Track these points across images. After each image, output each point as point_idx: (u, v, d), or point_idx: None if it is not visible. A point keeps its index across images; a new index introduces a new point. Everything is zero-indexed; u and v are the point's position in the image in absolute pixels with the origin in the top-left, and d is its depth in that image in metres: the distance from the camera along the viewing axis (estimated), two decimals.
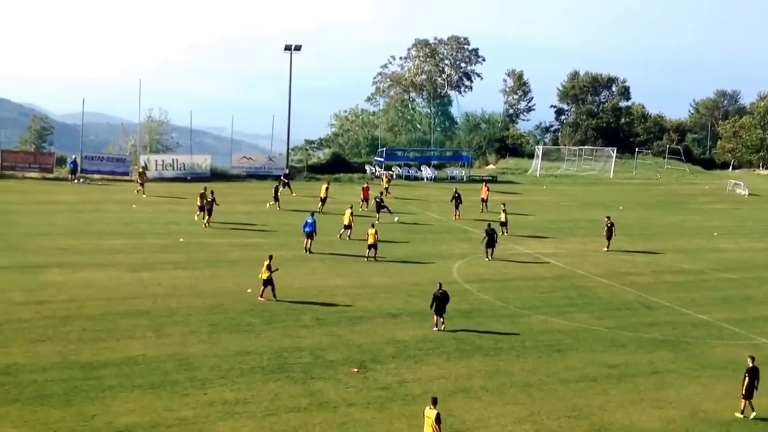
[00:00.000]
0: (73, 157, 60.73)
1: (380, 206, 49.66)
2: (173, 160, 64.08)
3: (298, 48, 67.46)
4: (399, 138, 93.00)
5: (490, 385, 24.61)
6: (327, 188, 53.10)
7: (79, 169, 59.12)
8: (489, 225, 41.98)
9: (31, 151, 65.86)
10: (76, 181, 58.02)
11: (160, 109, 74.00)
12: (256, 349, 26.33)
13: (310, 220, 40.13)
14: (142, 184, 53.14)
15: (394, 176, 57.43)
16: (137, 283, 32.66)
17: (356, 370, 25.11)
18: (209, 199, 44.69)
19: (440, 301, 29.11)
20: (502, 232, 46.30)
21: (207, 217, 44.22)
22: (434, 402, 19.96)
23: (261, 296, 31.21)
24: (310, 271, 36.41)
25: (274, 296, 31.13)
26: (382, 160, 73.76)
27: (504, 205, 49.44)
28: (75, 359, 24.20)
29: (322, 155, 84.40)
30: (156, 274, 34.13)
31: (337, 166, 72.46)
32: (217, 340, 26.90)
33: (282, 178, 59.56)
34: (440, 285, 29.74)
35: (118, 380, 22.96)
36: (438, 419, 19.64)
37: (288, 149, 71.15)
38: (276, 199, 52.13)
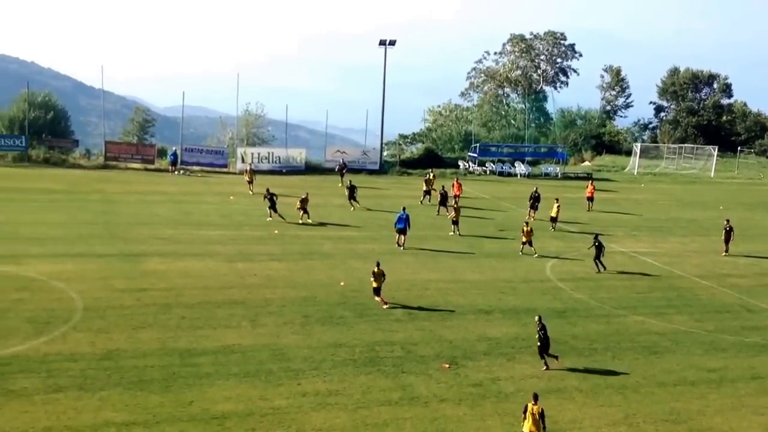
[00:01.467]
0: (174, 149, 62.47)
1: (444, 200, 49.39)
2: (269, 153, 65.17)
3: (392, 43, 67.59)
4: (493, 133, 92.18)
5: (584, 385, 24.08)
6: (429, 180, 53.37)
7: (179, 160, 60.76)
8: (596, 236, 38.47)
9: (134, 142, 68.05)
10: (176, 172, 59.64)
11: (257, 102, 75.41)
12: (348, 341, 26.49)
13: (403, 216, 39.82)
14: (250, 181, 52.96)
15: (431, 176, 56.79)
16: (233, 274, 33.31)
17: (448, 365, 24.96)
18: (302, 198, 44.21)
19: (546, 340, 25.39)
20: (552, 228, 45.45)
21: (304, 215, 43.91)
22: (535, 398, 19.91)
23: (384, 304, 30.18)
24: (402, 265, 36.40)
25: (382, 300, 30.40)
26: (475, 155, 73.27)
27: (557, 200, 47.90)
28: (174, 346, 24.84)
29: (414, 150, 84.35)
30: (251, 265, 34.74)
31: (430, 160, 72.22)
32: (311, 331, 27.18)
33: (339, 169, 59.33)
34: (540, 318, 25.82)
35: (214, 368, 23.45)
36: (542, 415, 19.59)
37: (381, 143, 71.39)
38: (352, 198, 50.22)
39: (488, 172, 71.65)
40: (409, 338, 27.20)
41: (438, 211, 48.41)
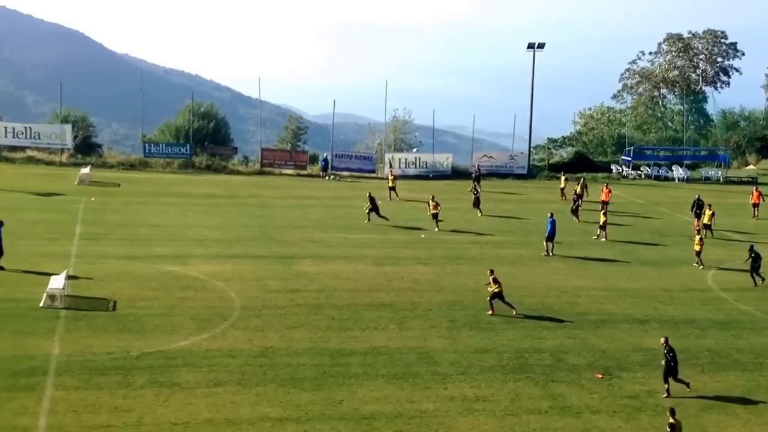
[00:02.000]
0: (325, 155, 64.10)
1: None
2: (416, 158, 65.69)
3: (541, 46, 66.62)
4: (648, 136, 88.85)
5: (749, 402, 22.83)
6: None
7: (329, 166, 62.31)
8: (752, 247, 35.74)
9: (287, 149, 70.30)
10: (326, 177, 61.21)
11: (404, 108, 76.18)
12: (495, 347, 26.31)
13: (550, 221, 38.93)
14: (393, 188, 52.81)
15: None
16: (381, 277, 33.82)
17: (600, 375, 24.32)
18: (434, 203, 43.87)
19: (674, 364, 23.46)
20: (705, 235, 41.93)
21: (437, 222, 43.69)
22: (672, 412, 19.44)
23: (491, 311, 29.60)
24: (551, 271, 35.79)
25: (512, 307, 29.57)
26: (629, 159, 70.97)
27: (710, 206, 45.03)
28: (324, 346, 25.50)
29: (565, 153, 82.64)
30: (399, 269, 35.15)
31: (581, 164, 70.45)
32: (457, 336, 27.19)
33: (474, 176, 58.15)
34: (666, 340, 23.80)
35: (363, 369, 23.89)
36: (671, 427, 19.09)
37: (529, 147, 70.46)
38: (476, 202, 49.73)
39: (643, 176, 69.13)
40: (559, 346, 26.71)
41: (577, 217, 47.10)
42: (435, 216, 43.58)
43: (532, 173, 66.96)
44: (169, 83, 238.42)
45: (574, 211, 47.26)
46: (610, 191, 50.73)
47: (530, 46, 67.03)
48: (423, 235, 42.03)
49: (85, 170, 52.78)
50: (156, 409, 20.42)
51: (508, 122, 72.01)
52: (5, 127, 59.74)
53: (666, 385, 23.08)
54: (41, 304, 27.10)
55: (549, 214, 39.47)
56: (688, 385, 23.31)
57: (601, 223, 42.67)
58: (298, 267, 34.55)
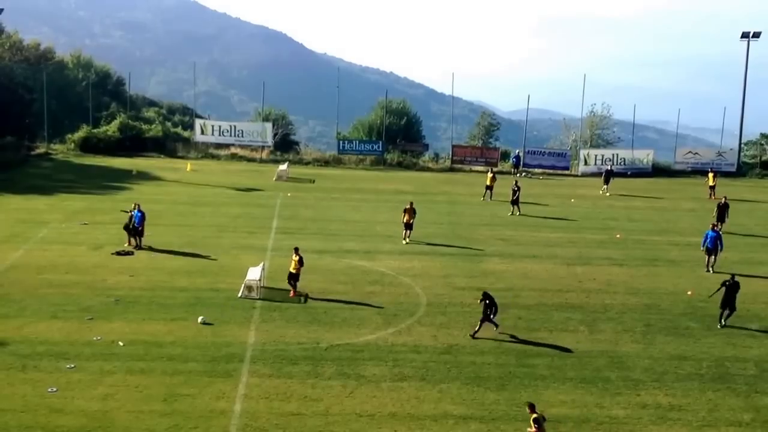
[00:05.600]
0: (517, 151, 63.32)
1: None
2: (613, 154, 63.34)
3: (756, 35, 62.32)
4: None
5: None
6: None
7: (521, 163, 61.45)
8: None
9: (478, 146, 70.07)
10: (518, 174, 60.41)
11: (603, 103, 73.72)
12: (694, 354, 24.82)
13: (711, 235, 34.28)
14: (490, 187, 48.96)
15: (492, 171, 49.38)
16: (571, 277, 32.85)
17: None
18: None
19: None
20: None
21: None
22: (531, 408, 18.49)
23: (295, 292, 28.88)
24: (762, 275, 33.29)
25: None
26: None
27: None
28: (510, 346, 25.09)
29: None
30: (591, 269, 34.01)
31: None
32: (652, 341, 25.89)
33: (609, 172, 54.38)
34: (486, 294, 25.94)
35: (550, 371, 23.28)
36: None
37: (740, 144, 66.04)
38: (607, 182, 51.48)
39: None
40: (765, 355, 24.86)
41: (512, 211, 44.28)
42: (490, 188, 47.25)
43: (742, 171, 62.76)
44: (365, 81, 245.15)
45: None
46: None
47: (744, 35, 62.98)
48: (618, 235, 40.43)
49: (283, 167, 55.22)
50: (343, 400, 20.91)
51: (716, 117, 67.85)
52: (212, 126, 63.83)
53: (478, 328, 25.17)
54: (239, 295, 28.58)
55: (710, 226, 35.40)
56: (496, 326, 25.40)
57: None
58: (485, 265, 34.28)
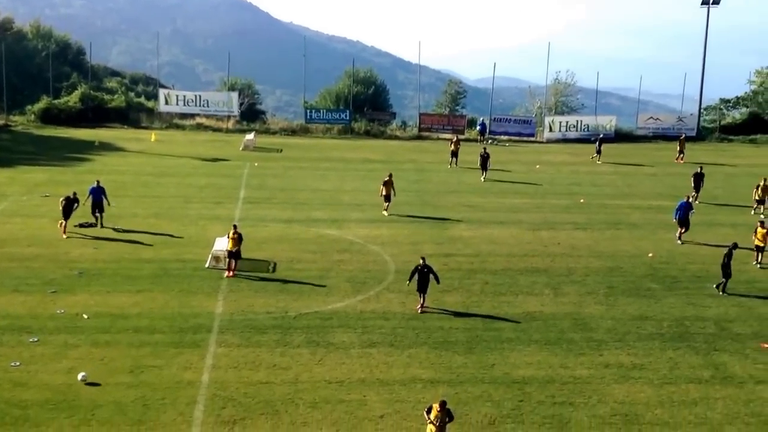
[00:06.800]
0: (482, 119, 63.55)
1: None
2: (577, 121, 63.86)
3: (716, 2, 62.87)
4: None
5: None
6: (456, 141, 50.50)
7: (487, 130, 61.70)
8: None
9: (445, 114, 70.15)
10: (486, 142, 60.64)
11: (567, 71, 74.08)
12: (655, 315, 25.41)
13: (683, 204, 33.98)
14: (455, 153, 49.60)
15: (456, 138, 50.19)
16: (537, 242, 33.29)
17: (767, 345, 23.03)
18: None
19: (424, 278, 25.18)
20: None
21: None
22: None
23: (230, 272, 27.90)
24: (719, 237, 33.96)
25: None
26: None
27: None
28: (477, 310, 25.47)
29: (738, 115, 77.85)
30: (555, 234, 34.48)
31: (755, 126, 66.32)
32: (614, 302, 26.45)
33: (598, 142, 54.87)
34: (424, 259, 25.43)
35: (516, 334, 23.71)
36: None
37: (699, 109, 66.85)
38: (599, 152, 51.89)
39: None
40: (723, 314, 25.50)
41: (483, 177, 45.17)
42: (455, 155, 48.03)
43: (701, 135, 63.65)
44: (332, 50, 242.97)
45: None
46: None
47: (704, 2, 63.46)
48: (582, 200, 40.96)
49: (250, 136, 54.97)
50: (312, 368, 21.14)
51: (678, 84, 68.58)
52: (177, 96, 63.19)
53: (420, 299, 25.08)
54: (206, 265, 28.61)
55: (686, 197, 35.19)
56: (423, 302, 25.15)
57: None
58: (452, 231, 34.59)
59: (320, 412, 18.88)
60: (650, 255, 31.44)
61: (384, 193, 37.07)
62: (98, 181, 34.06)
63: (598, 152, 52.44)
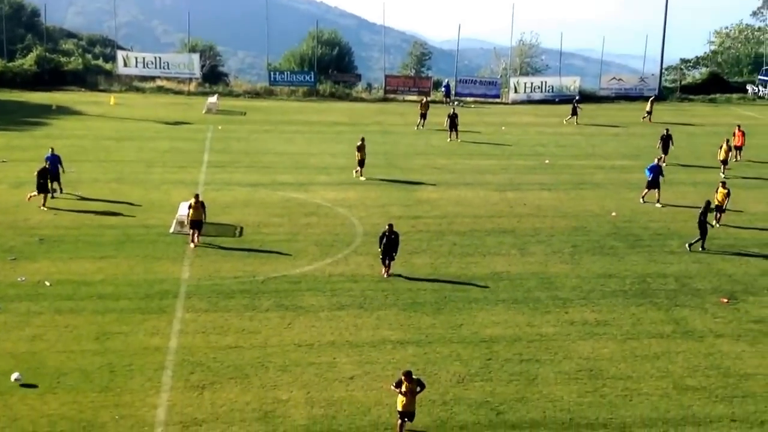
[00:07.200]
0: (446, 81, 63.41)
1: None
2: (542, 82, 64.02)
3: None
4: None
5: None
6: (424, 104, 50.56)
7: (452, 92, 61.64)
8: None
9: (411, 75, 69.89)
10: (454, 103, 60.58)
11: (532, 32, 74.10)
12: (618, 272, 25.84)
13: (655, 166, 33.89)
14: (423, 115, 50.10)
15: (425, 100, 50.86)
16: (503, 203, 33.54)
17: (726, 300, 23.64)
18: None
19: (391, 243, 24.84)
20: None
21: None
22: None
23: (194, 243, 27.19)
24: (679, 195, 34.49)
25: None
26: (767, 78, 66.82)
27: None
28: (445, 271, 25.67)
29: (698, 75, 78.60)
30: (521, 194, 34.76)
31: (714, 85, 67.12)
32: (579, 261, 26.82)
33: (575, 102, 55.22)
34: (391, 226, 25.05)
35: (483, 294, 23.97)
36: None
37: (661, 69, 67.38)
38: (574, 113, 52.08)
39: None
40: (684, 271, 26.01)
41: (450, 137, 45.58)
42: (423, 116, 48.34)
43: (662, 95, 64.23)
44: (295, 11, 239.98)
45: None
46: (743, 134, 45.09)
47: None
48: (547, 161, 41.24)
49: (212, 99, 54.27)
50: (281, 332, 21.17)
51: (639, 44, 68.97)
52: (135, 57, 61.84)
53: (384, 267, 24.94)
54: (171, 230, 28.41)
55: (656, 159, 35.52)
56: (388, 269, 25.02)
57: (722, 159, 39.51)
58: (420, 194, 34.68)
59: (290, 375, 18.97)
60: (613, 214, 31.86)
61: (359, 157, 36.87)
62: (52, 149, 32.59)
63: (574, 114, 52.51)
